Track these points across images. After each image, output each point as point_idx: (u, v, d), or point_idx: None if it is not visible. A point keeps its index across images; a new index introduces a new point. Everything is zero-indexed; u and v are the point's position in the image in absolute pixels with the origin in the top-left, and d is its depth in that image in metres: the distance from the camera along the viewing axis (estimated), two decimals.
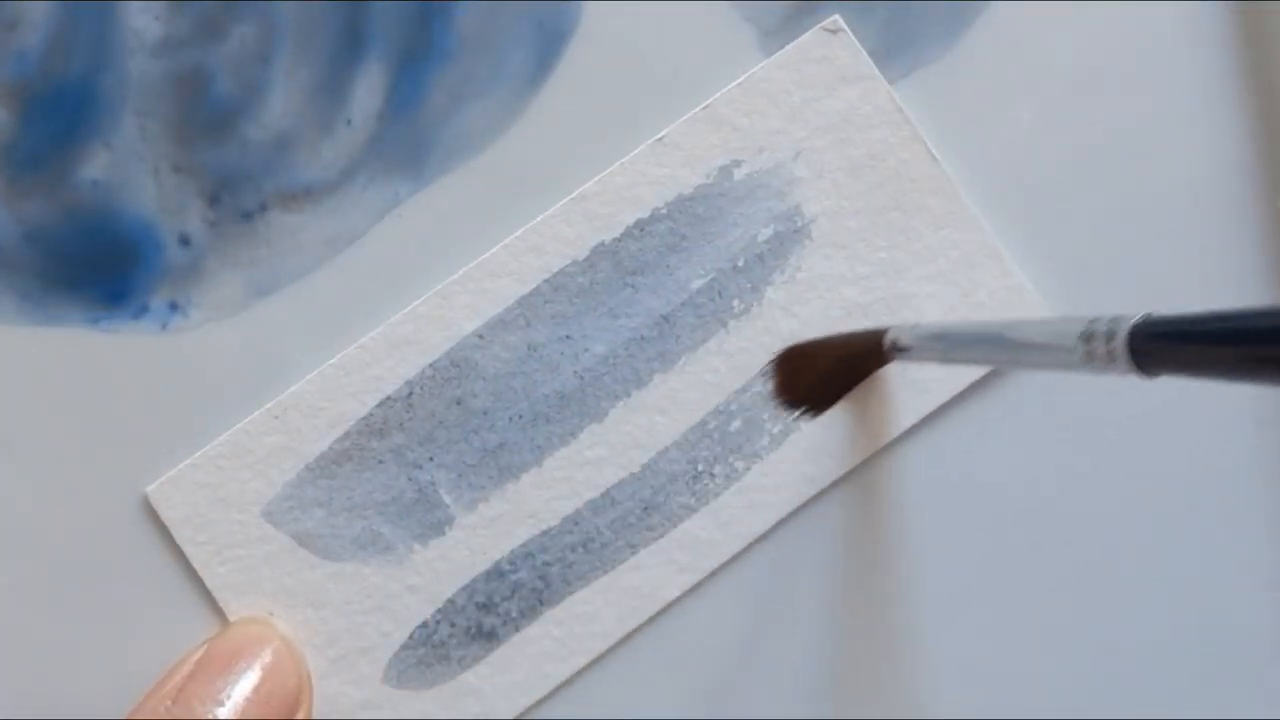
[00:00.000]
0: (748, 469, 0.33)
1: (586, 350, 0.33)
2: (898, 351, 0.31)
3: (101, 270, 0.32)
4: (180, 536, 0.32)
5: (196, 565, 0.32)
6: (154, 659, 0.32)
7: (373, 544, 0.33)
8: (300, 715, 0.31)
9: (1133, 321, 0.24)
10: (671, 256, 0.33)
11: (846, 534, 0.34)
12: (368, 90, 0.32)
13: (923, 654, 0.34)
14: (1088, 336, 0.24)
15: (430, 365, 0.33)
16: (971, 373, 0.34)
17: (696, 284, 0.33)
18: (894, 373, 0.34)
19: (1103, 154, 0.34)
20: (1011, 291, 0.34)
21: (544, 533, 0.33)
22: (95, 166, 0.32)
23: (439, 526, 0.33)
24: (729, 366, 0.33)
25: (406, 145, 0.33)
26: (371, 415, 0.33)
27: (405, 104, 0.32)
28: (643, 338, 0.33)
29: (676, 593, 0.34)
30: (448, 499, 0.33)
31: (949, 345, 0.30)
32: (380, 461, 0.33)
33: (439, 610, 0.33)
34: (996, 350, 0.29)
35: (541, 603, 0.33)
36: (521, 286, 0.33)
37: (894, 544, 0.34)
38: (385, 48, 0.32)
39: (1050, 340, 0.26)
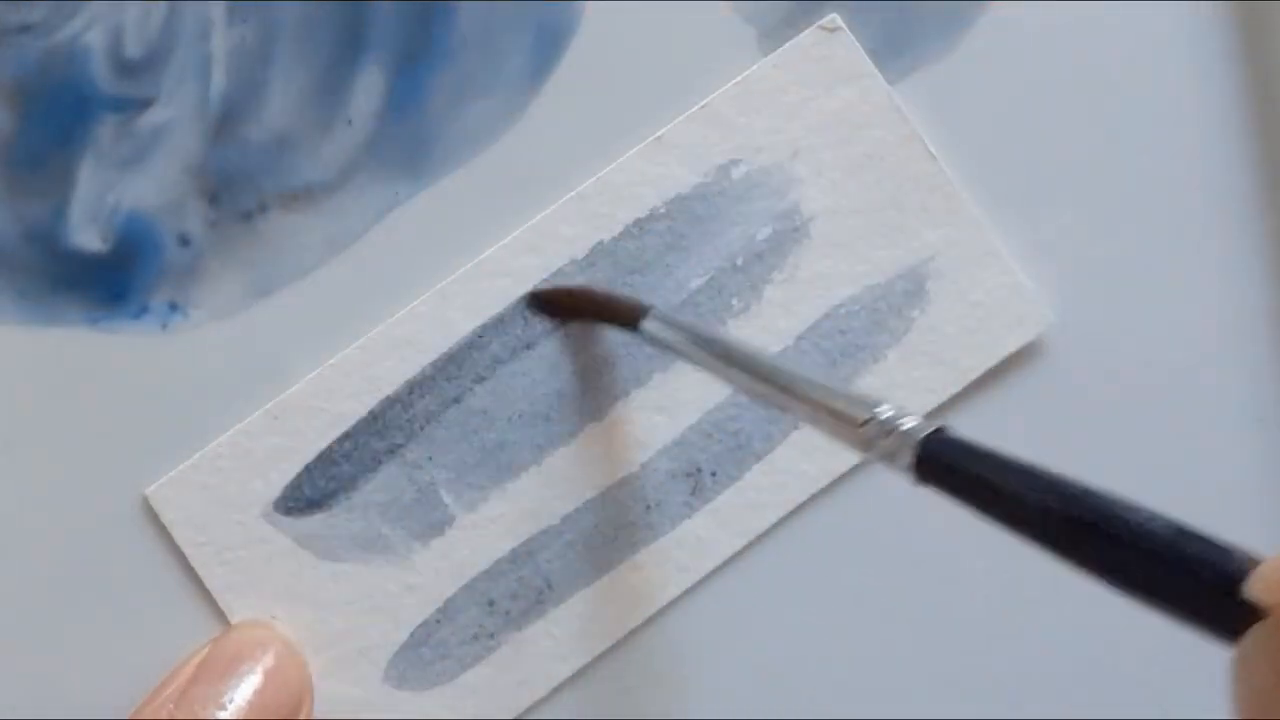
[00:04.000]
0: (748, 468, 0.33)
1: (586, 349, 0.33)
2: (649, 340, 0.30)
3: (101, 270, 0.32)
4: (180, 538, 0.32)
5: (196, 566, 0.32)
6: (154, 660, 0.32)
7: (373, 544, 0.33)
8: (302, 717, 0.31)
9: (924, 434, 0.23)
10: (670, 255, 0.33)
11: (846, 533, 0.34)
12: (367, 90, 0.32)
13: (924, 653, 0.34)
14: (870, 423, 0.24)
15: (430, 365, 0.33)
16: (973, 372, 0.34)
17: (695, 283, 0.33)
18: (893, 372, 0.34)
19: (1103, 154, 0.34)
20: (1010, 290, 0.34)
21: (544, 532, 0.33)
22: (95, 166, 0.32)
23: (439, 526, 0.33)
24: None
25: (406, 145, 0.33)
26: (371, 415, 0.33)
27: (405, 104, 0.33)
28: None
29: (676, 593, 0.33)
30: (448, 499, 0.33)
31: (712, 361, 0.29)
32: (380, 461, 0.33)
33: (439, 610, 0.33)
34: (766, 390, 0.27)
35: (542, 602, 0.33)
36: (520, 286, 0.33)
37: (895, 543, 0.34)
38: (385, 48, 0.32)
39: (835, 408, 0.25)
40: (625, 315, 0.31)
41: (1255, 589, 0.18)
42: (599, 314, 0.32)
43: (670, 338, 0.30)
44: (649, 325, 0.30)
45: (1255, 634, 0.18)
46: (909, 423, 0.23)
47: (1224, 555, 0.19)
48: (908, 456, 0.23)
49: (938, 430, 0.23)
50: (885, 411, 0.24)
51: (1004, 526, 0.22)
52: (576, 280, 0.33)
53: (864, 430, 0.24)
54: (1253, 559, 0.18)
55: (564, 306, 0.33)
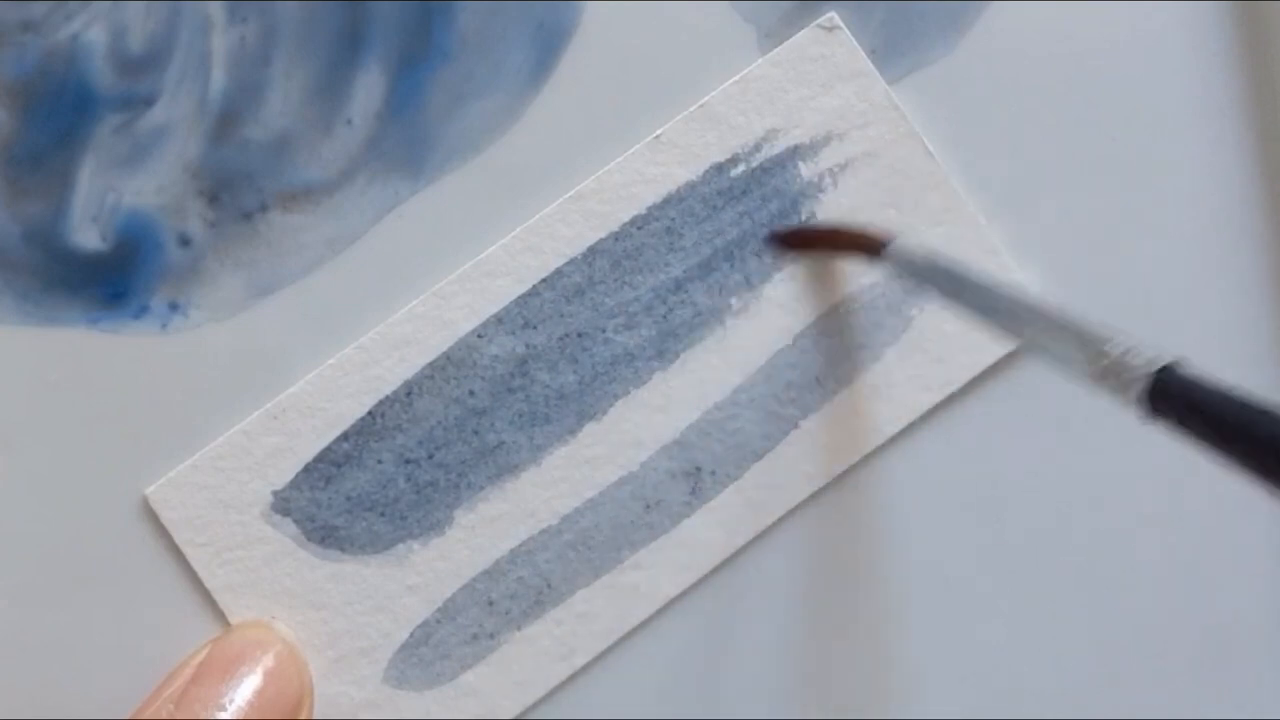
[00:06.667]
0: (748, 468, 0.33)
1: (585, 350, 0.33)
2: (894, 266, 0.30)
3: (101, 270, 0.32)
4: (180, 538, 0.32)
5: (196, 567, 0.32)
6: (154, 661, 0.32)
7: (373, 544, 0.33)
8: (302, 718, 0.31)
9: (1160, 366, 0.23)
10: (669, 255, 0.33)
11: (846, 532, 0.34)
12: (367, 90, 0.33)
13: (924, 652, 0.34)
14: (1105, 356, 0.24)
15: (429, 365, 0.33)
16: (971, 370, 0.34)
17: (694, 282, 0.33)
18: (892, 370, 0.34)
19: (1102, 153, 0.34)
20: None
21: (544, 532, 0.33)
22: (95, 166, 0.32)
23: (439, 526, 0.33)
24: (727, 364, 0.33)
25: (406, 145, 0.33)
26: (370, 415, 0.33)
27: (405, 104, 0.33)
28: (641, 336, 0.33)
29: (676, 592, 0.33)
30: (447, 498, 0.33)
31: (952, 290, 0.29)
32: (380, 461, 0.33)
33: (439, 610, 0.33)
34: (1000, 319, 0.27)
35: (541, 602, 0.33)
36: (519, 286, 0.33)
37: (895, 542, 0.34)
38: (385, 48, 0.32)
39: (1065, 340, 0.25)
40: (869, 246, 0.31)
41: None
42: (839, 247, 0.33)
43: (911, 267, 0.30)
44: (892, 253, 0.30)
45: None
46: (1140, 356, 0.23)
47: None
48: (1138, 389, 0.23)
49: (1169, 366, 0.23)
50: (1118, 346, 0.24)
51: (1241, 468, 0.21)
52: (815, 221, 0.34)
53: (1096, 364, 0.24)
54: None
55: (803, 244, 0.33)
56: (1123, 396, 0.23)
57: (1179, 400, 0.23)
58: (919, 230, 0.34)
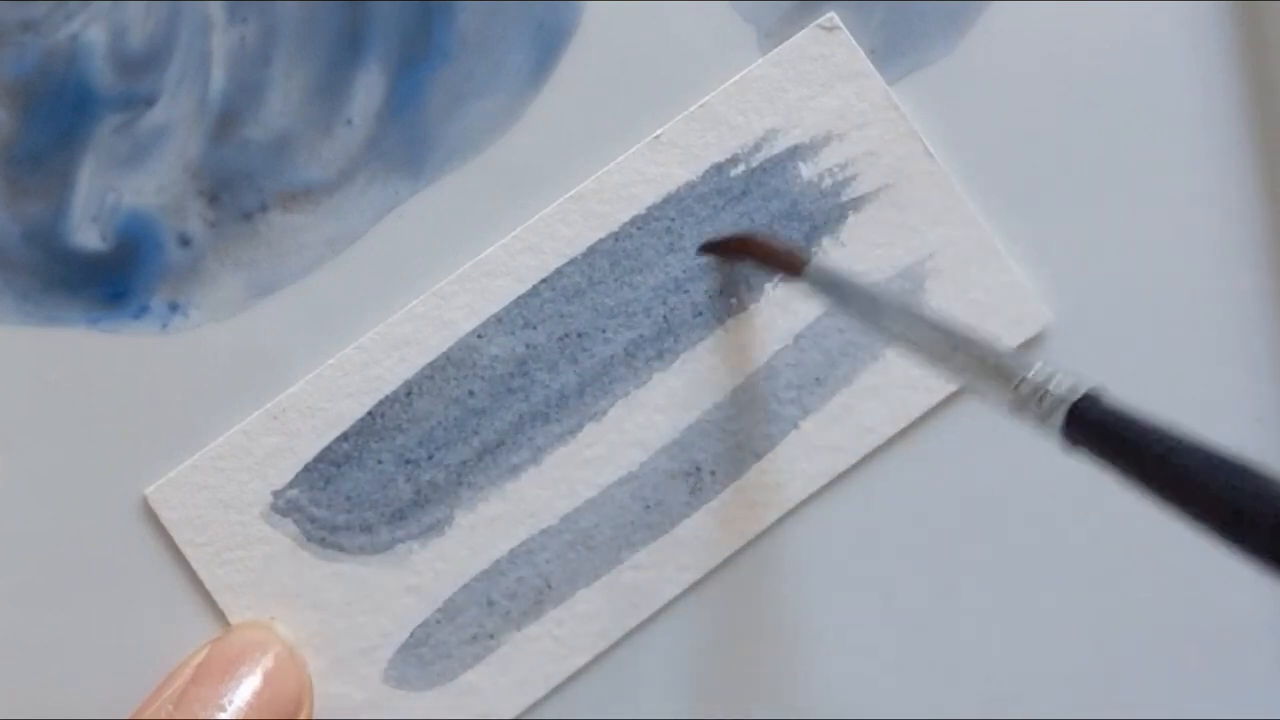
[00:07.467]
0: (747, 468, 0.33)
1: (585, 350, 0.33)
2: (813, 285, 0.31)
3: (101, 270, 0.32)
4: (180, 538, 0.32)
5: (196, 567, 0.32)
6: (154, 661, 0.32)
7: (373, 544, 0.33)
8: (302, 718, 0.31)
9: (1079, 395, 0.23)
10: (669, 255, 0.33)
11: (846, 532, 0.34)
12: (367, 91, 0.33)
13: (923, 652, 0.34)
14: (1024, 384, 0.24)
15: (429, 365, 0.33)
16: None
17: (694, 282, 0.33)
18: (892, 370, 0.34)
19: (1102, 153, 0.34)
20: (1009, 288, 0.34)
21: (544, 532, 0.33)
22: (95, 166, 0.32)
23: (439, 526, 0.33)
24: (727, 364, 0.33)
25: (406, 145, 0.33)
26: (370, 415, 0.33)
27: (405, 104, 0.33)
28: (641, 337, 0.33)
29: (676, 592, 0.33)
30: (447, 499, 0.33)
31: (870, 312, 0.29)
32: (379, 462, 0.33)
33: (439, 610, 0.33)
34: (921, 345, 0.27)
35: (541, 602, 0.33)
36: (519, 286, 0.33)
37: (894, 541, 0.34)
38: (385, 48, 0.32)
39: (985, 367, 0.25)
40: (788, 264, 0.31)
41: None
42: (764, 259, 0.33)
43: (830, 288, 0.30)
44: (811, 274, 0.30)
45: None
46: (1061, 385, 0.23)
47: None
48: (1057, 417, 0.23)
49: (1088, 394, 0.23)
50: (1038, 374, 0.24)
51: (1158, 498, 0.21)
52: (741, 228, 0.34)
53: (1015, 392, 0.24)
54: None
55: (732, 252, 0.33)
56: (1042, 425, 0.23)
57: (1098, 429, 0.22)
58: (919, 231, 0.34)
